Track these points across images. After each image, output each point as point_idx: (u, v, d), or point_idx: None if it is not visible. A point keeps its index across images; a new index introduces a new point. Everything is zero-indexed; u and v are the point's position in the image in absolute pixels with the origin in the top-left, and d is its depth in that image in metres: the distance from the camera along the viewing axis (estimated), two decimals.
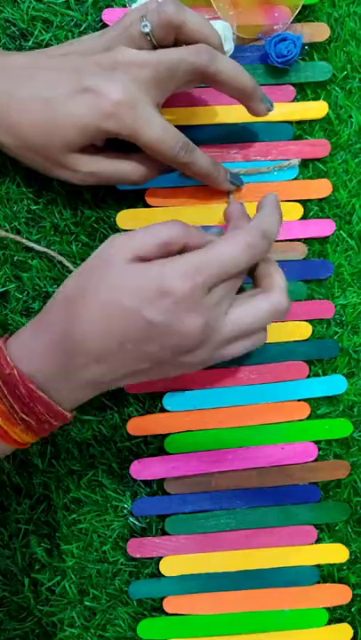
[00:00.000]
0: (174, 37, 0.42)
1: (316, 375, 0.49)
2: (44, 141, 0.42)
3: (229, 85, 0.43)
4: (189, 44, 0.42)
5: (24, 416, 0.39)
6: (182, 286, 0.36)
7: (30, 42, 0.48)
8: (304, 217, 0.49)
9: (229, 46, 0.47)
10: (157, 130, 0.42)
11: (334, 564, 0.49)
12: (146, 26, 0.41)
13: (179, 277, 0.36)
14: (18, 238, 0.47)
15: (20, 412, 0.39)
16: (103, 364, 0.38)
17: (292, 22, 0.48)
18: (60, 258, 0.47)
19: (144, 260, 0.38)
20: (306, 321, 0.49)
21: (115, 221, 0.48)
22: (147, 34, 0.42)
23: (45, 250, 0.47)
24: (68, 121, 0.41)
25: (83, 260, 0.48)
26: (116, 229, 0.48)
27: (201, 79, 0.43)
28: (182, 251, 0.39)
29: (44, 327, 0.40)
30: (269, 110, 0.46)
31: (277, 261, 0.48)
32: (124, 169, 0.45)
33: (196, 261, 0.37)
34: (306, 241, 0.49)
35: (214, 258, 0.37)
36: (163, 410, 0.48)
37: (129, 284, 0.37)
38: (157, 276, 0.37)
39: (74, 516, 0.48)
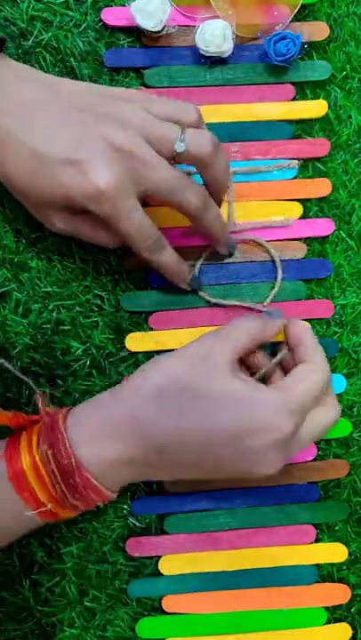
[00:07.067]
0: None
1: None
2: (27, 192, 0.41)
3: (204, 230, 0.44)
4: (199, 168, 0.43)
5: (75, 501, 0.40)
6: (289, 425, 0.38)
7: (30, 41, 0.47)
8: (304, 216, 0.49)
9: (229, 45, 0.47)
10: (131, 226, 0.41)
11: (334, 564, 0.49)
12: (181, 147, 0.40)
13: (286, 416, 0.38)
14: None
15: (72, 498, 0.39)
16: (187, 472, 0.41)
17: (291, 21, 0.48)
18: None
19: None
20: (305, 321, 0.49)
21: None
22: (174, 152, 0.40)
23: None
24: (53, 185, 0.40)
25: (82, 260, 0.48)
26: None
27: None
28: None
29: (115, 413, 0.40)
30: (229, 256, 0.49)
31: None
32: (101, 238, 0.44)
33: (298, 398, 0.39)
34: (305, 240, 0.49)
35: (311, 390, 0.40)
36: None
37: (231, 410, 0.39)
38: (264, 408, 0.39)
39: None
